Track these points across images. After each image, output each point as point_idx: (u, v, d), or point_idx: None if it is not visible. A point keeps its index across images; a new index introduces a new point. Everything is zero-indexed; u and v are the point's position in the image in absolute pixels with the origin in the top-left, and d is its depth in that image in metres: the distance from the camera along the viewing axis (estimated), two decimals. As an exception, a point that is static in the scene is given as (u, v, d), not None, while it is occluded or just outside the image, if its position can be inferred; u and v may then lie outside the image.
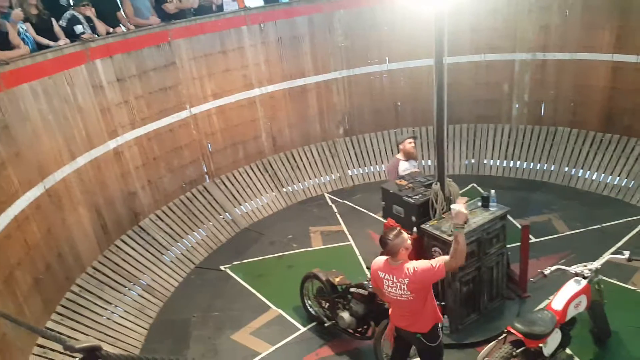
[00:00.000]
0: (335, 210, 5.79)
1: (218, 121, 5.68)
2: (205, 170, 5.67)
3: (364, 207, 5.72)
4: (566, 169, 5.84)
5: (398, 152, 4.41)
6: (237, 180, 5.91)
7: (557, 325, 2.94)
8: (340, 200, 5.98)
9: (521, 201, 5.44)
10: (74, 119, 4.18)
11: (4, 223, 3.33)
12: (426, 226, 3.58)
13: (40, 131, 3.83)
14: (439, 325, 2.73)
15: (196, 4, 5.47)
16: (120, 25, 4.91)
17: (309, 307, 4.01)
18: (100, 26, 4.61)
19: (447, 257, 2.57)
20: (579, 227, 4.90)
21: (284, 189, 6.11)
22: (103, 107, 4.50)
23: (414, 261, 2.61)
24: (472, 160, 6.34)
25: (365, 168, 6.44)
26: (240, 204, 5.78)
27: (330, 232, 5.34)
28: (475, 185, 5.93)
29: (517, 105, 6.25)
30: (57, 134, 4.01)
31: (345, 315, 3.57)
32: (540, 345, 2.88)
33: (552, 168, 5.94)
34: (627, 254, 3.10)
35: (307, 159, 6.36)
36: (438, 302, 2.78)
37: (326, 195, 6.16)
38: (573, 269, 3.15)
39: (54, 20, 4.29)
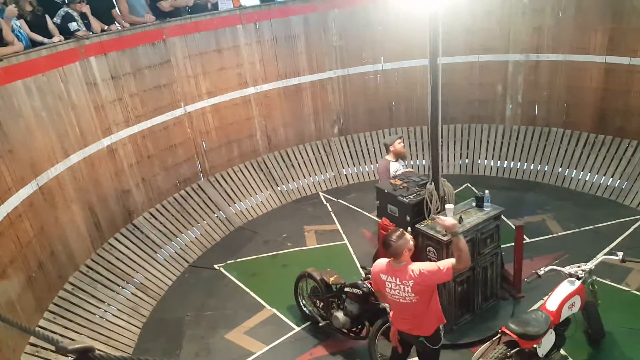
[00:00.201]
0: (330, 209, 5.80)
1: (213, 119, 5.66)
2: (200, 168, 5.66)
3: (358, 206, 5.73)
4: (559, 169, 5.89)
5: (387, 154, 4.43)
6: (231, 178, 5.89)
7: (551, 326, 2.95)
8: (335, 200, 5.99)
9: (515, 201, 5.47)
10: (67, 116, 4.16)
11: (-5, 221, 3.30)
12: (420, 226, 3.59)
13: (33, 128, 3.80)
14: (441, 327, 2.71)
15: (191, 2, 5.46)
16: (115, 23, 4.89)
17: (303, 307, 4.01)
18: (95, 24, 4.58)
19: (453, 260, 2.53)
20: (572, 227, 4.94)
21: (279, 188, 6.10)
22: (97, 104, 4.47)
23: (419, 263, 2.59)
24: (466, 160, 6.38)
25: (360, 167, 6.45)
26: (234, 203, 5.77)
27: (325, 231, 5.35)
28: (469, 185, 5.96)
29: (510, 106, 6.29)
30: (51, 131, 3.97)
31: (340, 314, 3.57)
32: (535, 345, 2.89)
33: (546, 168, 5.98)
34: (620, 254, 3.12)
35: (302, 158, 6.36)
36: None
37: (321, 194, 6.16)
38: (567, 269, 3.16)
39: (48, 17, 4.26)
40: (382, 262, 2.67)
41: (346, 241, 5.12)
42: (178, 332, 4.07)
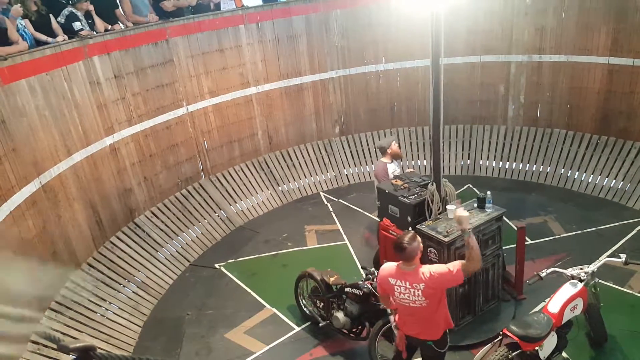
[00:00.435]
0: (331, 209, 5.80)
1: (214, 119, 5.68)
2: (201, 167, 5.67)
3: (359, 206, 5.73)
4: (562, 170, 5.86)
5: (383, 156, 4.42)
6: (232, 178, 5.91)
7: (553, 329, 2.93)
8: (336, 199, 5.99)
9: (517, 203, 5.45)
10: (70, 115, 4.18)
11: (-1, 218, 3.32)
12: (422, 226, 3.58)
13: (36, 127, 3.82)
14: (447, 330, 2.69)
15: (194, 2, 5.48)
16: (119, 22, 4.91)
17: (303, 307, 4.01)
18: (99, 23, 4.60)
19: (463, 261, 2.52)
20: (575, 229, 4.91)
21: (280, 188, 6.10)
22: (100, 103, 4.50)
23: (428, 265, 2.57)
24: (468, 161, 6.36)
25: (361, 167, 6.44)
26: (235, 202, 5.78)
27: (326, 231, 5.34)
28: (470, 185, 5.94)
29: (512, 107, 6.27)
30: (54, 130, 4.00)
31: (340, 315, 3.56)
32: (537, 348, 2.88)
33: (548, 170, 5.95)
34: (623, 257, 3.11)
35: (303, 157, 6.37)
36: None
37: (321, 194, 6.16)
38: (569, 271, 3.15)
39: (52, 17, 4.28)
40: (390, 265, 2.62)
41: (347, 241, 5.11)
42: (178, 331, 4.07)
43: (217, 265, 4.93)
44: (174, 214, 5.25)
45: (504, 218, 3.80)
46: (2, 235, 3.32)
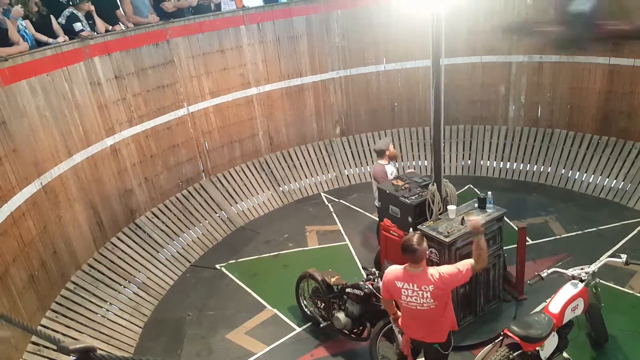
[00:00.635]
0: (332, 209, 5.79)
1: (215, 119, 5.68)
2: (202, 168, 5.67)
3: (360, 206, 5.72)
4: (563, 171, 5.86)
5: (380, 158, 4.44)
6: (233, 178, 5.91)
7: (554, 329, 2.93)
8: (337, 200, 5.99)
9: (518, 203, 5.45)
10: (71, 115, 4.18)
11: (0, 219, 3.32)
12: (423, 227, 3.58)
13: (37, 128, 3.82)
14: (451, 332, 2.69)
15: (194, 2, 5.48)
16: (119, 23, 4.91)
17: (304, 307, 4.00)
18: (100, 24, 4.61)
19: (472, 261, 2.53)
20: (575, 229, 4.91)
21: (280, 188, 6.10)
22: (100, 104, 4.50)
23: (436, 267, 2.57)
24: (469, 161, 6.36)
25: (362, 168, 6.44)
26: (236, 203, 5.78)
27: (326, 231, 5.34)
28: (471, 186, 5.94)
29: (513, 107, 6.27)
30: (54, 130, 4.00)
31: (341, 315, 3.56)
32: (537, 348, 2.88)
33: (549, 170, 5.95)
34: (624, 257, 3.11)
35: (304, 158, 6.37)
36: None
37: (322, 194, 6.16)
38: (570, 271, 3.15)
39: (53, 18, 4.29)
40: (396, 268, 2.60)
41: (347, 242, 5.11)
42: (179, 332, 4.07)
43: (217, 266, 4.93)
44: (175, 215, 5.25)
45: (505, 218, 3.81)
46: (2, 235, 3.32)
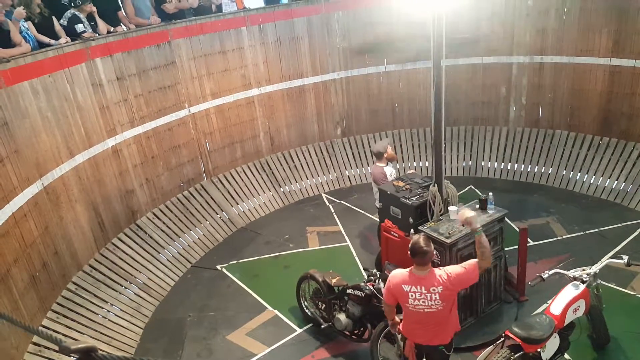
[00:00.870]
0: (332, 210, 5.79)
1: (216, 120, 5.69)
2: (203, 169, 5.68)
3: (360, 207, 5.72)
4: (564, 172, 5.85)
5: (379, 160, 4.44)
6: (234, 179, 5.91)
7: (555, 330, 2.93)
8: (337, 201, 5.98)
9: (519, 204, 5.44)
10: (73, 117, 4.19)
11: (1, 220, 3.32)
12: (424, 228, 3.58)
13: (39, 129, 3.83)
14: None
15: (195, 3, 5.50)
16: (121, 24, 4.93)
17: (305, 308, 4.00)
18: (101, 25, 4.62)
19: (476, 260, 2.53)
20: (577, 230, 4.90)
21: (281, 189, 6.11)
22: (102, 105, 4.51)
23: (442, 268, 2.56)
24: (470, 162, 6.36)
25: (363, 169, 6.44)
26: (237, 204, 5.78)
27: (327, 232, 5.34)
28: (472, 187, 5.94)
29: (514, 108, 6.27)
30: (56, 131, 4.01)
31: (342, 317, 3.56)
32: (539, 350, 2.87)
33: (550, 171, 5.95)
34: (626, 258, 3.10)
35: (305, 159, 6.37)
36: None
37: (323, 195, 6.16)
38: (571, 273, 3.14)
39: (55, 19, 4.30)
40: (401, 272, 2.57)
41: (348, 243, 5.11)
42: (180, 333, 4.07)
43: (218, 267, 4.93)
44: (176, 216, 5.26)
45: (506, 219, 3.81)
46: (4, 236, 3.33)
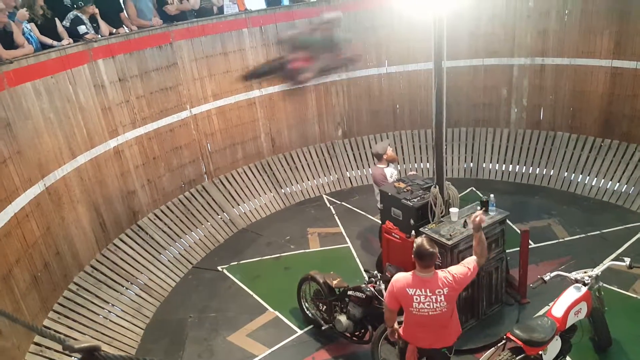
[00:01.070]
0: (333, 211, 5.79)
1: (218, 121, 5.70)
2: (204, 170, 5.69)
3: (361, 209, 5.72)
4: (565, 173, 5.84)
5: (379, 161, 4.44)
6: (235, 180, 5.92)
7: (557, 333, 2.92)
8: (338, 202, 5.98)
9: (520, 206, 5.43)
10: (75, 117, 4.21)
11: (3, 220, 3.34)
12: (425, 229, 3.57)
13: (41, 130, 3.85)
14: None
15: (197, 5, 5.52)
16: (123, 26, 4.95)
17: (306, 310, 4.00)
18: (104, 27, 4.65)
19: (475, 258, 2.55)
20: (578, 232, 4.89)
21: (282, 190, 6.11)
22: (104, 106, 4.53)
23: (444, 269, 2.57)
24: (471, 164, 6.35)
25: (364, 170, 6.44)
26: (238, 205, 5.79)
27: (328, 233, 5.34)
28: (473, 189, 5.93)
29: (515, 110, 6.27)
30: (58, 132, 4.03)
31: (343, 318, 3.55)
32: (540, 352, 2.86)
33: (551, 173, 5.94)
34: (628, 260, 3.09)
35: (306, 160, 6.38)
36: None
37: (324, 196, 6.16)
38: (573, 275, 3.13)
39: (57, 21, 4.32)
40: (404, 276, 2.55)
41: (349, 244, 5.11)
42: (181, 334, 4.07)
43: (219, 268, 4.93)
44: (177, 217, 5.27)
45: (507, 221, 3.80)
46: (6, 236, 3.34)
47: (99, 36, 4.52)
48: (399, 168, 4.61)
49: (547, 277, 3.10)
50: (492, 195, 3.72)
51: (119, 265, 4.47)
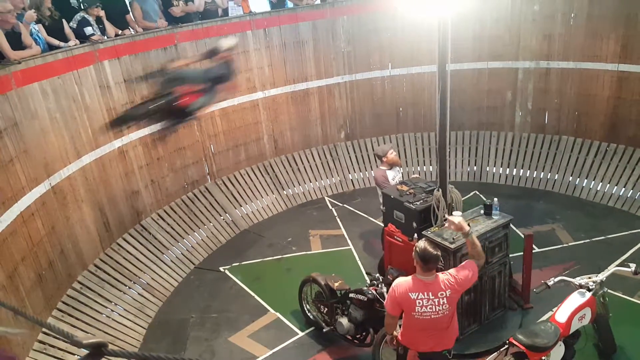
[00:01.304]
0: (335, 214, 5.79)
1: (221, 123, 5.73)
2: (207, 171, 5.71)
3: (364, 211, 5.71)
4: (570, 178, 5.80)
5: (381, 163, 4.44)
6: (238, 181, 5.94)
7: (560, 338, 2.90)
8: (340, 204, 5.98)
9: (524, 210, 5.39)
10: (80, 118, 4.25)
11: (10, 219, 3.37)
12: (427, 233, 3.56)
13: (47, 129, 3.89)
14: None
15: (201, 7, 5.56)
16: (129, 27, 5.00)
17: (307, 312, 3.99)
18: (110, 28, 4.70)
19: (474, 260, 2.56)
20: (583, 238, 4.85)
21: (285, 192, 6.12)
22: (109, 107, 4.57)
23: (447, 271, 2.57)
24: (475, 167, 6.32)
25: (366, 172, 6.44)
26: (240, 206, 5.80)
27: (330, 235, 5.34)
28: (477, 192, 5.90)
29: (520, 113, 6.23)
30: (64, 132, 4.07)
31: (344, 321, 3.55)
32: (543, 358, 2.84)
33: (556, 177, 5.89)
34: (633, 266, 3.06)
35: (308, 162, 6.38)
36: None
37: (326, 198, 6.16)
38: (577, 280, 3.11)
39: (64, 22, 4.38)
40: (406, 280, 2.54)
41: (351, 246, 5.10)
42: (182, 334, 4.09)
43: (221, 269, 4.94)
44: (180, 217, 5.29)
45: (511, 225, 3.77)
46: (12, 234, 3.37)
47: (105, 37, 4.57)
48: (401, 171, 4.60)
49: (550, 282, 3.07)
50: (495, 199, 3.70)
51: (122, 265, 4.49)
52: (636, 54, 5.23)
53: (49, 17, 4.29)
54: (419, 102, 6.45)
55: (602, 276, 3.13)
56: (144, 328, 4.17)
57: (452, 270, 2.56)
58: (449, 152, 3.72)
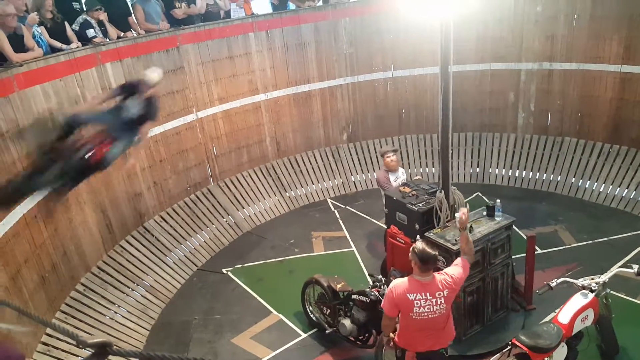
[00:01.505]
0: (338, 215, 5.79)
1: (223, 125, 5.74)
2: (210, 173, 5.72)
3: (366, 213, 5.71)
4: (573, 179, 5.78)
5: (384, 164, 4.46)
6: (240, 183, 5.94)
7: (563, 339, 2.90)
8: (343, 206, 5.98)
9: (527, 211, 5.39)
10: (83, 120, 4.26)
11: (13, 221, 3.38)
12: (430, 234, 3.56)
13: (50, 132, 3.90)
14: None
15: (203, 9, 5.57)
16: (131, 30, 5.02)
17: (310, 313, 4.00)
18: (112, 30, 4.71)
19: (465, 258, 2.62)
20: (585, 239, 4.84)
21: (287, 194, 6.13)
22: (112, 109, 4.58)
23: (440, 272, 2.59)
24: (477, 169, 6.32)
25: (368, 174, 6.44)
26: (243, 208, 5.81)
27: (332, 237, 5.34)
28: (480, 194, 5.90)
29: (522, 115, 6.23)
30: (67, 134, 4.07)
31: (347, 322, 3.55)
32: (546, 359, 2.84)
33: (559, 178, 5.88)
34: (636, 267, 3.07)
35: (311, 164, 6.39)
36: None
37: (329, 200, 6.16)
38: (580, 281, 3.11)
39: (67, 25, 4.40)
40: (403, 282, 2.56)
41: (354, 248, 5.10)
42: (185, 335, 4.09)
43: (224, 270, 4.95)
44: (183, 219, 5.30)
45: (514, 227, 3.77)
46: (15, 237, 3.38)
47: (107, 40, 4.59)
48: (403, 173, 4.62)
49: (553, 284, 3.07)
50: (498, 201, 3.70)
51: (125, 267, 4.50)
52: (639, 55, 5.22)
53: (51, 19, 4.31)
54: (421, 104, 6.45)
55: (604, 277, 3.13)
56: (147, 330, 4.18)
57: (447, 270, 2.59)
58: (452, 153, 3.73)
